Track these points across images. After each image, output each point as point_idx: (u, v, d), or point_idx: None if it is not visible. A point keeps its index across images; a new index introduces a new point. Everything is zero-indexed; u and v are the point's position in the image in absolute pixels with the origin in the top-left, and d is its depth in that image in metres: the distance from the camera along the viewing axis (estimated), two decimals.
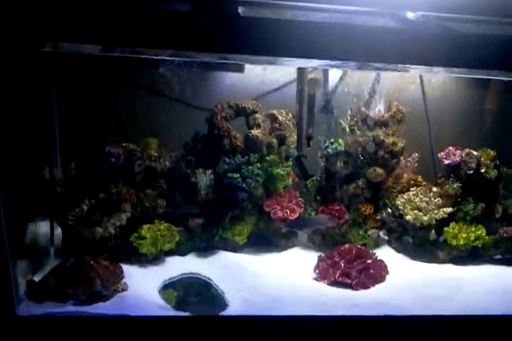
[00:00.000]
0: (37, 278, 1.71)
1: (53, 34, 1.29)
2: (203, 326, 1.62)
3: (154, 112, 2.19)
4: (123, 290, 1.73)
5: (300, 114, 2.13)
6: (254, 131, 2.12)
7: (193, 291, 1.86)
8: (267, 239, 2.22)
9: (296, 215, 2.13)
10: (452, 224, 2.13)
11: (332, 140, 2.20)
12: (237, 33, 1.31)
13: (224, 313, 1.68)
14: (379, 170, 2.20)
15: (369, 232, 2.22)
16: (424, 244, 2.17)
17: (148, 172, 2.03)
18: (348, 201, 2.22)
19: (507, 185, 2.17)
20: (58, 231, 1.99)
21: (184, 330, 1.61)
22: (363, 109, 2.22)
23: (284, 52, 1.34)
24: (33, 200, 1.85)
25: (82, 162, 1.96)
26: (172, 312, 1.66)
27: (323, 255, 2.03)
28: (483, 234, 2.10)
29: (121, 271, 1.80)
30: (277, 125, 2.17)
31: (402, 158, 2.26)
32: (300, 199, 2.19)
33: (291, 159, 2.21)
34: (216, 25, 1.30)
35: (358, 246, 2.07)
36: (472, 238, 2.09)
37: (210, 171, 2.08)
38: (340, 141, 2.19)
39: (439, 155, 2.23)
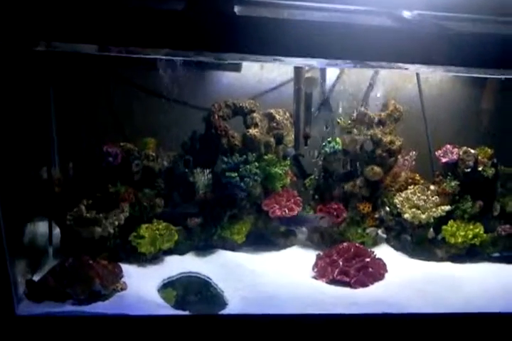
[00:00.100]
0: (36, 278, 1.71)
1: (48, 33, 1.29)
2: (202, 325, 1.62)
3: (151, 112, 2.20)
4: (122, 289, 1.73)
5: (297, 113, 2.13)
6: (252, 131, 2.12)
7: (192, 290, 1.87)
8: (266, 237, 2.23)
9: (294, 214, 2.14)
10: (450, 222, 2.13)
11: (329, 139, 2.20)
12: (233, 32, 1.31)
13: (223, 312, 1.68)
14: (377, 169, 2.20)
15: (367, 231, 2.22)
16: (422, 242, 2.17)
17: (146, 171, 2.03)
18: (346, 199, 2.22)
19: (504, 183, 2.18)
20: (57, 230, 1.99)
21: (183, 329, 1.61)
22: (360, 107, 2.22)
23: (280, 51, 1.34)
24: (31, 200, 1.85)
25: (80, 161, 1.96)
26: (171, 311, 1.66)
27: (321, 253, 2.03)
28: (481, 232, 2.11)
29: (120, 271, 1.80)
30: (275, 124, 2.18)
31: (399, 156, 2.27)
32: (298, 198, 2.19)
33: (288, 158, 2.21)
34: (212, 25, 1.30)
35: (357, 244, 2.08)
36: (470, 236, 2.09)
37: (208, 170, 2.08)
38: (337, 139, 2.20)
39: (436, 153, 2.24)
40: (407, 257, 2.18)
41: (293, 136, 2.20)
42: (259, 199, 2.16)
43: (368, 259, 1.98)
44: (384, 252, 2.17)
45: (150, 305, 1.67)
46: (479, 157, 2.17)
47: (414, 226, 2.17)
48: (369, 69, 2.28)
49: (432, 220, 2.13)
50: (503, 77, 1.57)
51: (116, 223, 1.90)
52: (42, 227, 1.95)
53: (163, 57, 1.67)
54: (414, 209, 2.15)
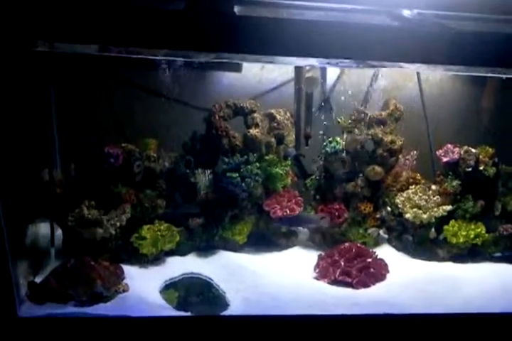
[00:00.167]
0: (38, 280, 1.71)
1: (49, 34, 1.29)
2: (204, 326, 1.62)
3: (152, 112, 2.19)
4: (124, 290, 1.73)
5: (298, 113, 2.13)
6: (253, 131, 2.12)
7: (194, 291, 1.86)
8: (267, 238, 2.23)
9: (294, 214, 2.13)
10: (452, 222, 2.13)
11: (330, 138, 2.20)
12: (233, 32, 1.31)
13: (225, 313, 1.68)
14: (378, 169, 2.20)
15: (369, 231, 2.22)
16: (423, 242, 2.17)
17: (148, 172, 2.03)
18: (347, 200, 2.22)
19: (506, 183, 2.18)
20: (59, 232, 1.99)
21: (185, 330, 1.61)
22: (360, 107, 2.22)
23: (280, 50, 1.34)
24: (33, 201, 1.85)
25: (82, 163, 1.96)
26: (173, 313, 1.66)
27: (323, 254, 2.03)
28: (483, 232, 2.10)
29: (122, 272, 1.80)
30: (275, 124, 2.18)
31: (400, 156, 2.26)
32: (299, 198, 2.19)
33: (289, 158, 2.21)
34: (212, 25, 1.30)
35: (358, 244, 2.07)
36: (472, 236, 2.09)
37: (209, 171, 2.08)
38: (338, 139, 2.19)
39: (437, 152, 2.23)
40: (408, 257, 2.18)
41: (294, 136, 2.20)
42: (261, 199, 2.16)
43: (369, 260, 1.98)
44: (385, 252, 2.17)
45: (152, 307, 1.67)
46: (480, 156, 2.17)
47: (416, 226, 2.16)
48: (369, 69, 2.28)
49: (434, 220, 2.13)
50: (504, 76, 1.57)
51: (118, 224, 1.90)
52: (44, 228, 1.95)
53: (164, 58, 1.67)
54: (415, 209, 2.14)
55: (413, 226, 2.17)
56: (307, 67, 2.09)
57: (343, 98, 2.31)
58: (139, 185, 2.02)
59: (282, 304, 1.72)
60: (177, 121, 2.12)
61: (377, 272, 1.93)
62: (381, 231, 2.31)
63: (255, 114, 2.16)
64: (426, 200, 2.15)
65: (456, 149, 2.19)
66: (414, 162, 2.31)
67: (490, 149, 2.21)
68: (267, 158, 2.13)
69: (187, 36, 1.31)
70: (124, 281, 1.78)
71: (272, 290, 1.81)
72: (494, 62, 1.46)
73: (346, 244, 2.05)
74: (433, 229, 2.14)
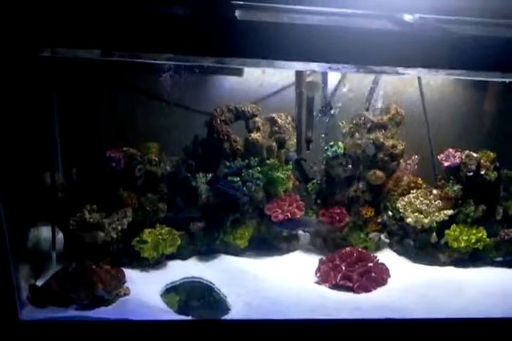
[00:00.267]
0: (39, 283, 1.71)
1: (52, 39, 1.30)
2: (205, 330, 1.62)
3: (154, 117, 2.20)
4: (125, 294, 1.73)
5: (299, 117, 2.13)
6: (254, 135, 2.12)
7: (195, 295, 1.86)
8: (268, 242, 2.22)
9: (293, 217, 2.13)
10: (453, 226, 2.13)
11: (332, 143, 2.20)
12: (234, 37, 1.31)
13: (226, 317, 1.68)
14: (379, 173, 2.20)
15: (370, 235, 2.22)
16: (425, 246, 2.17)
17: (149, 176, 2.03)
18: (348, 204, 2.22)
19: (507, 187, 2.18)
20: (60, 235, 1.99)
21: (186, 334, 1.61)
22: (362, 111, 2.22)
23: (281, 55, 1.34)
24: (34, 205, 1.85)
25: (83, 166, 1.96)
26: (174, 317, 1.66)
27: (324, 258, 2.03)
28: (484, 237, 2.10)
29: (123, 276, 1.80)
30: (277, 128, 2.18)
31: (401, 160, 2.26)
32: (301, 202, 2.19)
33: (290, 162, 2.21)
34: (214, 29, 1.31)
35: (359, 249, 2.07)
36: (473, 240, 2.08)
37: (210, 175, 2.08)
38: (339, 143, 2.19)
39: (438, 157, 2.23)
40: (410, 262, 2.17)
41: (295, 140, 2.20)
42: (262, 203, 2.16)
43: (370, 264, 1.97)
44: (387, 257, 2.17)
45: (153, 310, 1.67)
46: (482, 161, 2.17)
47: (417, 231, 2.16)
48: (371, 73, 2.28)
49: (435, 224, 2.13)
50: (507, 80, 1.57)
51: (119, 228, 1.90)
52: (45, 232, 1.95)
53: (166, 62, 1.68)
54: (416, 214, 2.14)
55: (414, 230, 2.17)
56: (308, 72, 2.10)
57: (344, 102, 2.32)
58: (141, 189, 2.02)
59: (283, 308, 1.72)
60: (178, 125, 2.13)
61: (378, 276, 1.93)
62: (382, 236, 2.31)
63: (256, 118, 2.16)
64: (427, 205, 2.15)
65: (458, 153, 2.19)
66: (416, 166, 2.31)
67: (491, 153, 2.21)
68: (268, 162, 2.13)
69: (188, 41, 1.31)
70: (125, 285, 1.78)
71: (273, 295, 1.81)
72: (495, 66, 1.46)
73: (347, 249, 2.05)
74: (434, 234, 2.14)
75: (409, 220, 2.15)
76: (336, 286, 1.89)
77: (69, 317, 1.59)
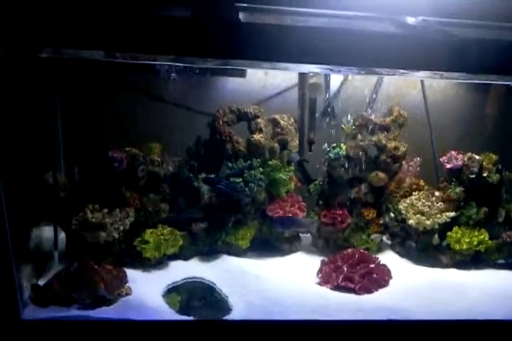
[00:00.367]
0: (41, 283, 1.72)
1: (56, 40, 1.30)
2: (206, 330, 1.62)
3: (156, 117, 2.21)
4: (127, 294, 1.73)
5: (302, 118, 2.14)
6: (256, 136, 2.13)
7: (197, 295, 1.86)
8: (270, 243, 2.23)
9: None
10: (455, 228, 2.12)
11: (334, 144, 2.20)
12: (238, 39, 1.32)
13: (227, 317, 1.68)
14: (381, 175, 2.20)
15: (372, 237, 2.22)
16: (427, 248, 2.16)
17: (151, 176, 2.04)
18: (350, 205, 2.22)
19: (509, 189, 2.17)
20: (62, 235, 2.00)
21: (188, 335, 1.62)
22: (364, 113, 2.23)
23: (284, 57, 1.35)
24: (36, 205, 1.86)
25: (86, 167, 1.97)
26: (176, 317, 1.66)
27: (326, 259, 2.03)
28: (486, 239, 2.10)
29: (125, 275, 1.80)
30: (279, 129, 2.18)
31: (404, 162, 2.26)
32: (302, 203, 2.19)
33: (293, 163, 2.22)
34: (217, 31, 1.31)
35: (361, 250, 2.07)
36: (475, 242, 2.08)
37: (212, 176, 2.08)
38: (342, 145, 2.20)
39: (441, 159, 2.23)
40: (411, 263, 2.17)
41: (297, 141, 2.20)
42: (264, 204, 2.17)
43: (372, 265, 1.97)
44: (388, 258, 2.17)
45: (154, 310, 1.67)
46: (484, 163, 2.17)
47: (419, 233, 2.16)
48: (373, 76, 2.29)
49: (437, 226, 2.13)
50: (507, 83, 1.57)
51: (121, 228, 1.90)
52: (47, 232, 1.95)
53: (169, 63, 1.68)
54: (418, 216, 2.14)
55: (416, 232, 2.17)
56: (311, 74, 2.10)
57: (346, 104, 2.32)
58: (143, 189, 2.02)
59: (285, 309, 1.72)
60: (181, 125, 2.14)
61: (380, 278, 1.93)
62: (384, 237, 2.31)
63: (259, 120, 2.17)
64: (429, 207, 2.14)
65: (460, 156, 2.19)
66: (418, 168, 2.31)
67: (493, 156, 2.21)
68: (270, 163, 2.14)
69: (192, 42, 1.32)
70: (127, 285, 1.78)
71: (274, 295, 1.81)
72: (498, 69, 1.46)
73: (349, 250, 2.05)
74: (436, 236, 2.14)
75: (411, 222, 2.15)
76: (338, 287, 1.89)
77: (71, 316, 1.59)
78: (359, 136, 2.20)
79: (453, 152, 2.21)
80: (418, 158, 2.31)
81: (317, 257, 2.12)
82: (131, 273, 1.86)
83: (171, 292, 1.86)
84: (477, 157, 2.17)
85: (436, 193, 2.18)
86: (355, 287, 1.87)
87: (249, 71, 2.32)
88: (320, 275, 1.97)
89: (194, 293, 1.87)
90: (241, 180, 2.06)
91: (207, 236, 2.10)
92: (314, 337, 1.64)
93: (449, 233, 2.12)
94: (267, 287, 1.88)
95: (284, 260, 2.17)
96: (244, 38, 1.32)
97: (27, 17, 1.27)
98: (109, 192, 1.95)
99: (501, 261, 2.18)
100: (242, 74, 2.32)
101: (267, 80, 2.39)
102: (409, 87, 2.44)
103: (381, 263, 2.02)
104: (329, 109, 2.31)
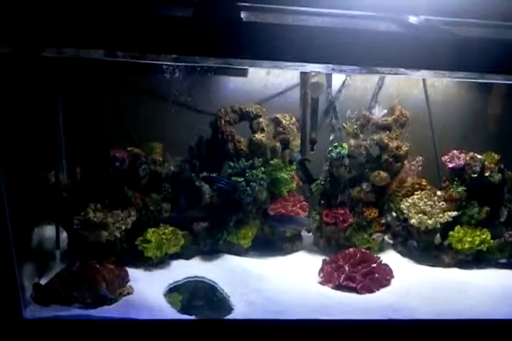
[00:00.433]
0: (43, 282, 1.72)
1: (57, 39, 1.30)
2: (208, 329, 1.63)
3: (158, 117, 2.21)
4: (128, 293, 1.74)
5: (303, 118, 2.14)
6: (258, 135, 2.13)
7: (198, 295, 1.86)
8: (272, 242, 2.23)
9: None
10: (457, 228, 2.12)
11: (336, 144, 2.20)
12: (239, 38, 1.32)
13: (229, 317, 1.68)
14: (383, 174, 2.20)
15: (373, 236, 2.22)
16: (429, 247, 2.16)
17: (153, 176, 2.04)
18: (352, 205, 2.22)
19: (511, 189, 2.17)
20: (64, 235, 2.00)
21: (189, 334, 1.62)
22: (366, 112, 2.22)
23: (286, 56, 1.35)
24: (38, 204, 1.86)
25: (88, 166, 1.97)
26: (177, 316, 1.67)
27: (327, 259, 2.03)
28: (488, 238, 2.10)
29: (127, 275, 1.81)
30: (281, 129, 2.18)
31: (406, 161, 2.26)
32: (304, 203, 2.19)
33: (294, 163, 2.22)
34: (219, 31, 1.31)
35: (363, 250, 2.07)
36: (477, 242, 2.08)
37: (214, 175, 2.08)
38: (344, 144, 2.19)
39: (443, 158, 2.23)
40: (413, 263, 2.17)
41: (299, 140, 2.20)
42: (265, 204, 2.17)
43: (374, 265, 1.97)
44: (390, 258, 2.17)
45: (156, 310, 1.67)
46: (486, 162, 2.16)
47: (421, 232, 2.16)
48: (375, 75, 2.28)
49: (439, 226, 2.12)
50: (510, 82, 1.57)
51: (123, 227, 1.91)
52: (49, 231, 1.96)
53: (171, 63, 1.68)
54: (420, 215, 2.14)
55: (418, 231, 2.17)
56: (313, 73, 2.10)
57: (348, 103, 2.32)
58: (145, 189, 2.02)
59: (286, 308, 1.72)
60: (183, 125, 2.14)
61: (381, 277, 1.93)
62: (386, 237, 2.31)
63: (261, 119, 2.17)
64: (431, 206, 2.14)
65: (462, 155, 2.19)
66: (420, 167, 2.31)
67: (495, 155, 2.21)
68: (272, 162, 2.13)
69: (194, 42, 1.32)
70: (129, 284, 1.79)
71: (276, 295, 1.81)
72: (500, 68, 1.46)
73: (351, 249, 2.05)
74: (438, 235, 2.14)
75: (413, 221, 2.15)
76: (339, 287, 1.89)
77: (72, 315, 1.59)
78: (361, 136, 2.20)
79: (455, 151, 2.20)
80: (420, 158, 2.30)
81: (319, 256, 2.12)
82: (133, 273, 1.86)
83: (173, 291, 1.86)
84: (479, 156, 2.17)
85: (438, 193, 2.18)
86: (357, 286, 1.87)
87: (251, 70, 2.32)
88: (321, 275, 1.97)
89: (195, 293, 1.88)
90: (243, 179, 2.06)
91: (208, 235, 2.10)
92: (315, 337, 1.64)
93: (451, 232, 2.12)
94: (268, 286, 1.88)
95: (285, 259, 2.17)
96: (245, 37, 1.32)
97: (30, 16, 1.27)
98: (111, 191, 1.95)
99: (503, 261, 2.18)
100: (243, 73, 2.32)
101: (269, 80, 2.39)
102: (412, 86, 2.44)
103: (383, 262, 2.02)
104: (331, 109, 2.30)
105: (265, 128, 2.15)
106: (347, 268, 1.94)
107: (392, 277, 1.98)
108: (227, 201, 2.09)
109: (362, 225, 2.21)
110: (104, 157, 1.94)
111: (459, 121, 2.52)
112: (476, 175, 2.15)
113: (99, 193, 1.94)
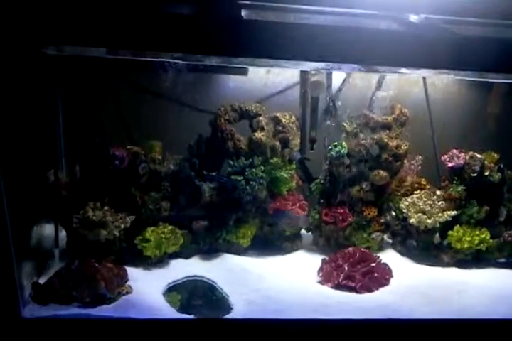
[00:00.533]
0: (42, 281, 1.72)
1: (58, 37, 1.30)
2: (207, 329, 1.62)
3: (158, 115, 2.21)
4: (127, 292, 1.73)
5: (303, 116, 2.13)
6: (258, 134, 2.12)
7: (197, 294, 1.86)
8: (271, 241, 2.22)
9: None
10: (456, 227, 2.12)
11: (335, 143, 2.20)
12: (240, 36, 1.31)
13: (228, 316, 1.68)
14: (383, 173, 2.20)
15: (373, 235, 2.22)
16: (428, 247, 2.16)
17: (153, 174, 2.03)
18: (351, 204, 2.21)
19: (511, 188, 2.17)
20: (63, 233, 2.00)
21: (188, 333, 1.61)
22: (366, 111, 2.22)
23: (287, 55, 1.34)
24: (37, 203, 1.86)
25: (87, 164, 1.96)
26: (176, 315, 1.66)
27: (327, 258, 2.03)
28: (488, 238, 2.10)
29: (126, 274, 1.80)
30: (281, 128, 2.18)
31: (405, 160, 2.26)
32: (304, 202, 2.19)
33: (294, 162, 2.21)
34: (219, 29, 1.31)
35: (362, 249, 2.07)
36: (476, 241, 2.08)
37: (214, 174, 2.08)
38: (343, 143, 2.19)
39: (442, 158, 2.23)
40: (412, 262, 2.17)
41: (299, 139, 2.20)
42: (265, 203, 2.16)
43: (373, 264, 1.97)
44: (389, 257, 2.17)
45: (155, 309, 1.67)
46: (486, 162, 2.16)
47: (420, 231, 2.16)
48: (375, 73, 2.28)
49: (438, 225, 2.12)
50: (510, 81, 1.57)
51: (122, 226, 1.90)
52: (48, 230, 1.95)
53: (171, 61, 1.68)
54: (420, 214, 2.14)
55: (417, 231, 2.16)
56: (313, 71, 2.10)
57: (348, 102, 2.31)
58: (144, 187, 2.02)
59: (285, 307, 1.72)
60: (182, 123, 2.13)
61: (381, 277, 1.93)
62: (385, 236, 2.30)
63: (260, 118, 2.16)
64: (431, 205, 2.14)
65: (462, 154, 2.19)
66: (419, 167, 2.31)
67: (495, 155, 2.20)
68: (271, 161, 2.13)
69: (194, 40, 1.31)
70: (128, 283, 1.78)
71: (275, 294, 1.81)
72: (501, 67, 1.46)
73: (350, 249, 2.05)
74: (437, 235, 2.14)
75: (412, 221, 2.14)
76: (339, 286, 1.89)
77: (71, 315, 1.59)
78: (361, 135, 2.20)
79: (454, 150, 2.20)
80: (420, 157, 2.30)
81: (318, 256, 2.12)
82: (132, 272, 1.86)
83: (172, 290, 1.86)
84: (479, 156, 2.17)
85: (438, 192, 2.18)
86: (356, 286, 1.87)
87: (251, 69, 2.31)
88: (321, 274, 1.96)
89: (195, 292, 1.87)
90: (242, 178, 2.06)
91: (208, 234, 2.10)
92: (315, 336, 1.64)
93: (450, 232, 2.12)
94: (267, 286, 1.87)
95: (284, 258, 2.16)
96: (246, 36, 1.31)
97: (31, 13, 1.27)
98: (111, 190, 1.95)
99: (502, 260, 2.18)
100: (243, 72, 2.31)
101: (269, 78, 2.38)
102: (412, 85, 2.44)
103: (382, 261, 2.02)
104: (331, 107, 2.30)
105: (265, 127, 2.15)
106: (346, 268, 1.93)
107: (392, 276, 1.97)
108: (226, 200, 2.09)
109: (361, 224, 2.21)
110: (104, 155, 1.94)
111: (459, 120, 2.52)
112: (475, 175, 2.15)
113: (98, 192, 1.93)
